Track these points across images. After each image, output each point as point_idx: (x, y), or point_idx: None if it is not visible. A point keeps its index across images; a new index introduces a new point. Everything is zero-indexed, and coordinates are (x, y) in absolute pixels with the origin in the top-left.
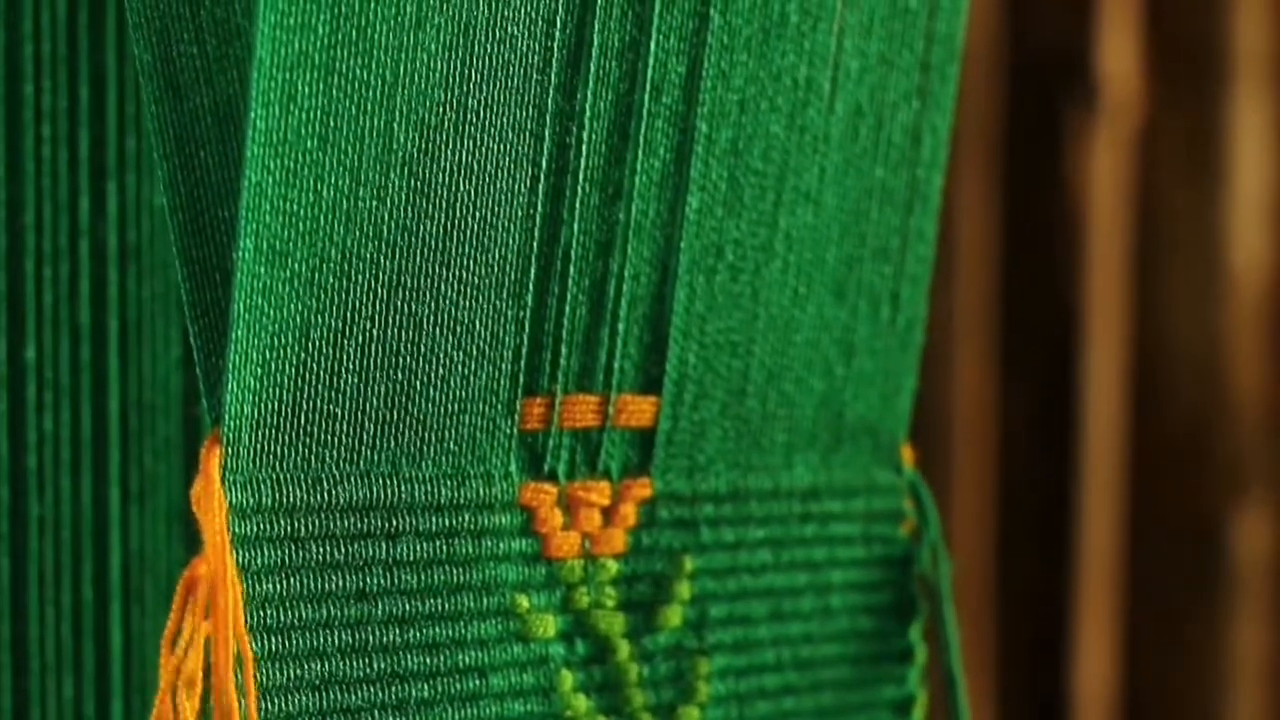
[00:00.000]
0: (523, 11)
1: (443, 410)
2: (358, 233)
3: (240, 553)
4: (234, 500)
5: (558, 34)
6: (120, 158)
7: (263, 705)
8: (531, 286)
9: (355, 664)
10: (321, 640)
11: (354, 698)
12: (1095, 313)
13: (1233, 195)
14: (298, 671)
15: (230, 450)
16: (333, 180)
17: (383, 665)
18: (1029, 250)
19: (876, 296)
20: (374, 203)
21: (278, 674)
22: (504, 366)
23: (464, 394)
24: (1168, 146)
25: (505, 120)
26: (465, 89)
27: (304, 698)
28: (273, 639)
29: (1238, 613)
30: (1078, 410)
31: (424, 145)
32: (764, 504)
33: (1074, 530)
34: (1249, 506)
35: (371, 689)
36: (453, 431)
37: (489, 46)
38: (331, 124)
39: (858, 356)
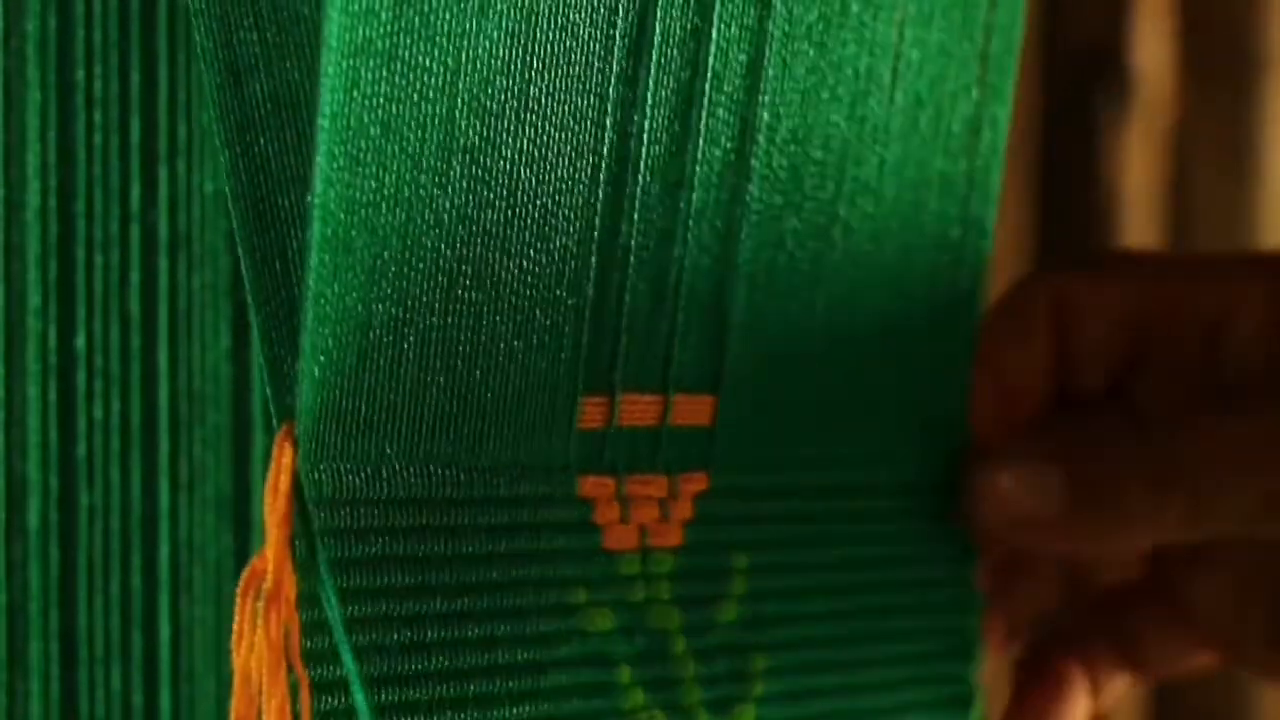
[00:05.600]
0: None
1: (502, 401)
2: (419, 220)
3: (298, 545)
4: (305, 491)
5: (620, 21)
6: (171, 144)
7: (321, 701)
8: (591, 276)
9: (414, 661)
10: (381, 635)
11: (412, 694)
12: None
13: (1265, 190)
14: (356, 668)
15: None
16: (395, 167)
17: (442, 662)
18: (1063, 244)
19: (936, 287)
20: (435, 190)
21: (337, 670)
22: (563, 357)
23: (523, 385)
24: (1201, 142)
25: (567, 108)
26: (527, 76)
27: (362, 694)
28: (331, 634)
29: None
30: None
31: (485, 133)
32: (821, 499)
33: None
34: None
35: (430, 686)
36: (512, 423)
37: (551, 34)
38: (394, 111)
39: (916, 349)
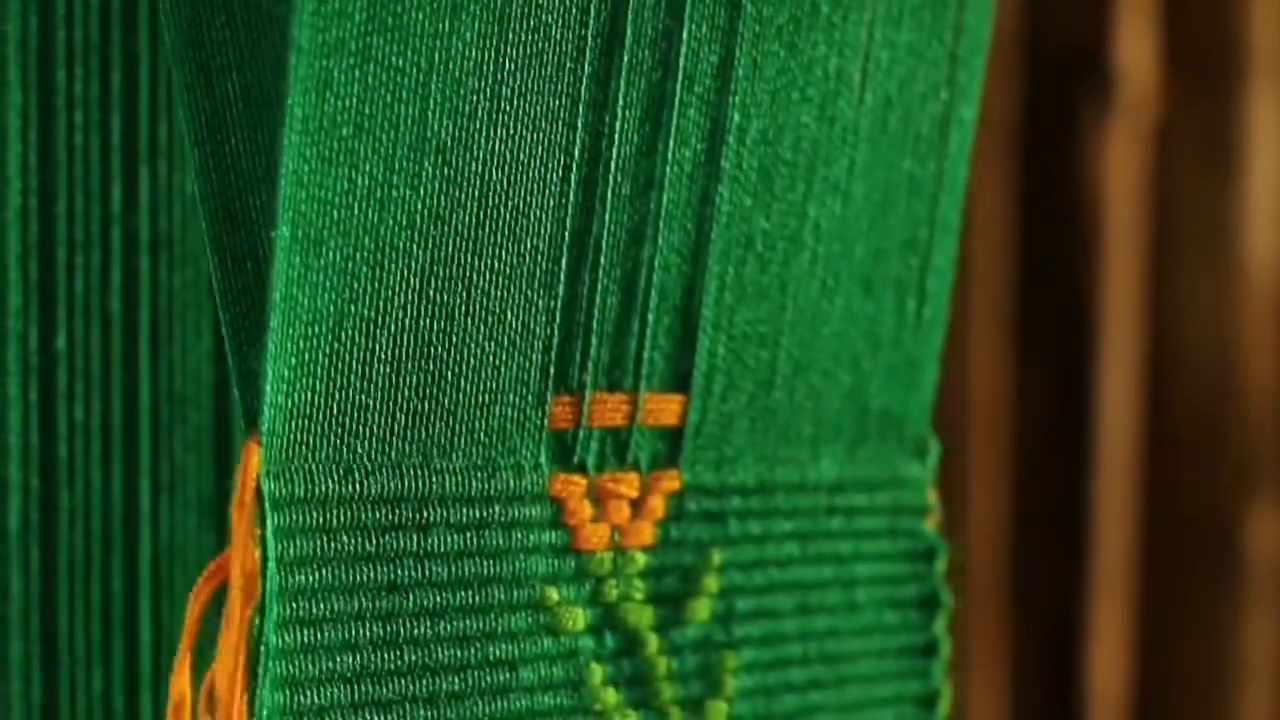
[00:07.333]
0: (558, 0)
1: (473, 401)
2: (391, 221)
3: (274, 544)
4: (267, 491)
5: (592, 22)
6: (152, 145)
7: (295, 699)
8: (563, 277)
9: (387, 656)
10: (353, 632)
11: (385, 690)
12: (1110, 308)
13: (1248, 191)
14: (330, 664)
15: (264, 442)
16: (367, 168)
17: (414, 658)
18: (1044, 245)
19: (904, 288)
20: (407, 191)
21: (311, 666)
22: (534, 357)
23: (494, 385)
24: (1184, 142)
25: (539, 109)
26: (499, 77)
27: (336, 690)
28: (305, 631)
29: (1249, 610)
30: (1092, 405)
31: (458, 133)
32: (791, 497)
33: (1088, 526)
34: (1261, 504)
35: (403, 681)
36: (483, 422)
37: (523, 35)
38: (366, 111)
39: (884, 349)
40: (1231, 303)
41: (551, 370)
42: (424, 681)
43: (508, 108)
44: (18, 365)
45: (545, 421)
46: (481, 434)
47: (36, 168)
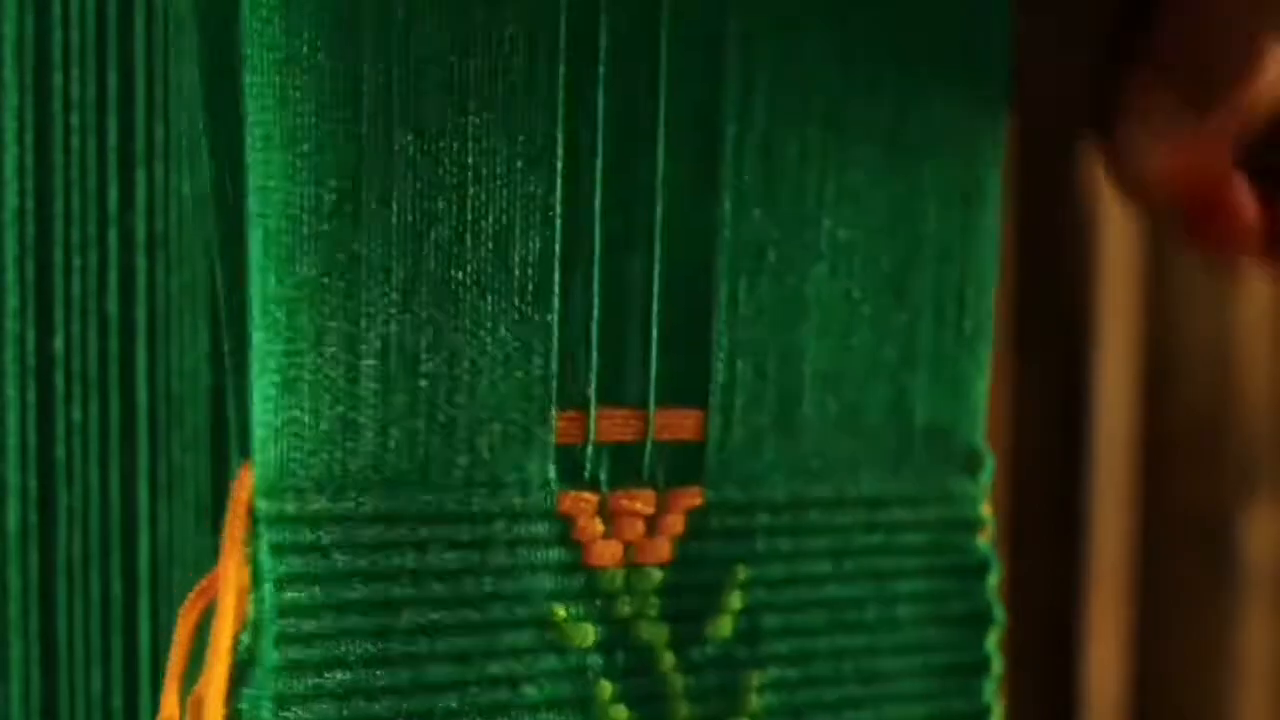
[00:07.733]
0: (524, 9)
1: (471, 417)
2: (365, 236)
3: (265, 561)
4: (259, 509)
5: (564, 32)
6: (149, 146)
7: (283, 714)
8: (557, 290)
9: (379, 674)
10: (344, 649)
11: (378, 707)
12: (1108, 311)
13: None
14: (318, 680)
15: (256, 460)
16: (333, 183)
17: (408, 676)
18: (1042, 248)
19: (941, 298)
20: (379, 205)
21: (299, 683)
22: (534, 372)
23: (493, 400)
24: None
25: (512, 122)
26: (464, 92)
27: (325, 707)
28: (295, 647)
29: (1247, 610)
30: (1090, 408)
31: (425, 148)
32: (826, 513)
33: (1085, 528)
34: (1259, 504)
35: (396, 699)
36: (484, 439)
37: (486, 48)
38: (326, 126)
39: (925, 361)
40: (1229, 305)
41: (554, 384)
42: (418, 699)
43: (476, 122)
44: (15, 367)
45: (551, 438)
46: (484, 450)
47: (33, 169)
